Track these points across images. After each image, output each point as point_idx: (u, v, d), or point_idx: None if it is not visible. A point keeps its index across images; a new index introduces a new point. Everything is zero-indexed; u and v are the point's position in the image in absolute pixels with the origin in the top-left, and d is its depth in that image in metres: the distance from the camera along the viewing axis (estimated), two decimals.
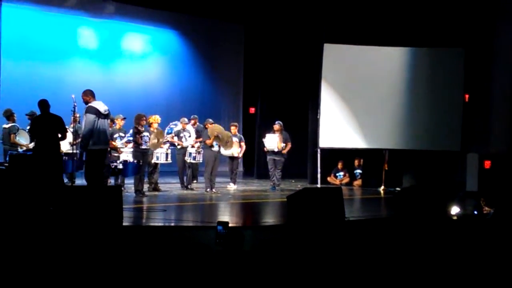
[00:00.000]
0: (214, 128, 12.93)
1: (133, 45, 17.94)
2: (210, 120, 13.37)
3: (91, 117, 9.47)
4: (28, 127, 10.31)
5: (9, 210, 8.07)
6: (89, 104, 9.56)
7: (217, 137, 12.77)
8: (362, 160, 15.61)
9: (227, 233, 6.68)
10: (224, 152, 13.38)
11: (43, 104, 9.74)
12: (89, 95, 9.64)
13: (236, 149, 13.73)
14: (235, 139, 13.68)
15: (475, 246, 7.22)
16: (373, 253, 6.69)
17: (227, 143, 13.13)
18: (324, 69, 14.57)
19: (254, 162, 17.40)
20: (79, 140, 10.25)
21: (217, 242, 6.64)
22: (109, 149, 11.39)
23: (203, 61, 19.18)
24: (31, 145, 11.16)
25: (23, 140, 12.00)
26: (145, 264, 5.66)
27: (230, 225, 7.13)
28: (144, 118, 12.12)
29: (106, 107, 9.72)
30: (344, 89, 14.60)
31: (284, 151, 13.76)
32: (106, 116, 9.75)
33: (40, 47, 15.83)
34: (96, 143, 9.54)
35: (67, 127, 11.45)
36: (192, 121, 13.73)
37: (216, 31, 19.03)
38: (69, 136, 11.12)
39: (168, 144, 12.92)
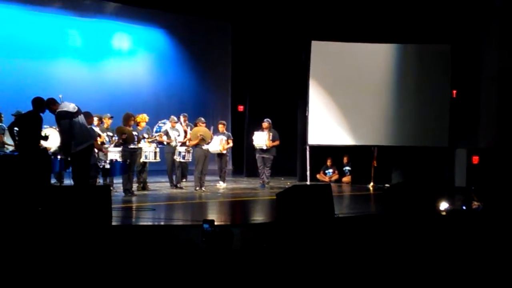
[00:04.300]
0: (199, 130, 12.87)
1: (120, 44, 17.87)
2: (202, 119, 13.30)
3: (65, 122, 9.28)
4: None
5: None
6: (58, 111, 9.32)
7: (202, 140, 12.74)
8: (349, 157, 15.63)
9: (213, 231, 6.66)
10: (211, 149, 13.31)
11: (37, 103, 9.32)
12: (52, 103, 9.38)
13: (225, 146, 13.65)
14: (223, 137, 13.63)
15: (464, 241, 7.26)
16: (363, 249, 6.70)
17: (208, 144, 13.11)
18: (312, 66, 14.54)
19: (244, 160, 17.36)
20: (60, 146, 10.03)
21: (204, 240, 6.62)
22: (96, 150, 11.28)
23: (191, 59, 19.13)
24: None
25: (11, 140, 11.88)
26: (135, 263, 5.64)
27: (219, 223, 7.12)
28: (133, 118, 12.06)
29: (73, 104, 9.45)
30: (332, 86, 14.59)
31: (272, 145, 13.75)
32: (77, 113, 9.48)
33: (27, 46, 15.74)
34: (78, 144, 9.38)
35: (54, 127, 11.36)
36: (182, 119, 13.67)
37: (204, 29, 18.97)
38: (57, 136, 11.01)
39: (155, 143, 12.86)
